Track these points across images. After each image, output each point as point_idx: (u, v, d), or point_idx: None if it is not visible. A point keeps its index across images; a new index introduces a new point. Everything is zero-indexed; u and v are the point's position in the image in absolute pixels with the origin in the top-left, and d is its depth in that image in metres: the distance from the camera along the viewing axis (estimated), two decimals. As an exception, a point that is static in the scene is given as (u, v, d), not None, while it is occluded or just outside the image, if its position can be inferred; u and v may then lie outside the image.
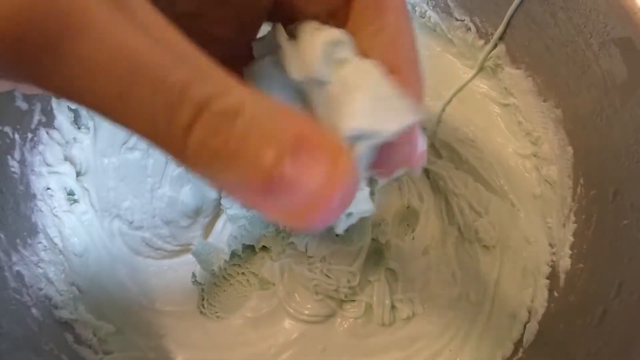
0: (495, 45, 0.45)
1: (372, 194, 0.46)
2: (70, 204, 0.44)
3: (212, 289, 0.46)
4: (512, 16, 0.42)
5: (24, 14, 0.13)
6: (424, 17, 0.48)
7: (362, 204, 0.29)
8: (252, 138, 0.14)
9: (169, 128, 0.14)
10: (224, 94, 0.14)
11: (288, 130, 0.15)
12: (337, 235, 0.45)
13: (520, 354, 0.38)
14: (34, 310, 0.37)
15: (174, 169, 0.47)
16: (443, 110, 0.48)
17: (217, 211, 0.47)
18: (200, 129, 0.14)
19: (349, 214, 0.29)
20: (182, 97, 0.14)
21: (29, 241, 0.40)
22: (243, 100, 0.14)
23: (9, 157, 0.39)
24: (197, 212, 0.47)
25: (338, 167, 0.15)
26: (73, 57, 0.13)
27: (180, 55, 0.14)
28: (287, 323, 0.44)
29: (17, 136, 0.40)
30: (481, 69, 0.48)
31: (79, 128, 0.45)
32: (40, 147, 0.42)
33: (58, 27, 0.13)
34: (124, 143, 0.47)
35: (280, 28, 0.21)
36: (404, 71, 0.20)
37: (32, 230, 0.41)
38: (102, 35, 0.13)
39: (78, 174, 0.45)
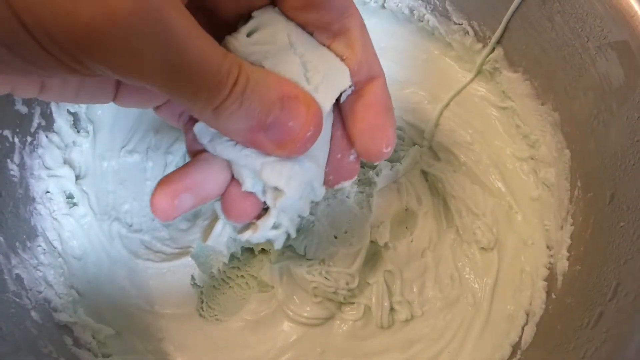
0: (493, 49, 0.45)
1: (370, 196, 0.46)
2: (70, 207, 0.44)
3: (211, 291, 0.46)
4: (509, 20, 0.43)
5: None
6: (422, 21, 0.49)
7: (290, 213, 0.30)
8: (256, 99, 0.22)
9: (214, 100, 0.21)
10: (241, 74, 0.22)
11: (276, 90, 0.23)
12: (335, 237, 0.45)
13: (518, 356, 0.38)
14: (33, 314, 0.37)
15: (173, 172, 0.47)
16: (441, 113, 0.48)
17: (216, 214, 0.47)
18: (231, 100, 0.22)
19: (278, 226, 0.30)
20: (229, 72, 0.21)
21: (29, 244, 0.40)
22: (249, 75, 0.22)
23: (8, 160, 0.39)
24: (196, 215, 0.47)
25: (310, 110, 0.24)
26: (148, 49, 0.19)
27: (214, 48, 0.21)
28: (286, 325, 0.44)
29: (16, 140, 0.40)
30: (479, 72, 0.48)
31: (78, 132, 0.45)
32: (40, 151, 0.42)
33: (140, 24, 0.18)
34: (123, 146, 0.47)
35: None
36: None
37: (32, 234, 0.41)
38: (171, 36, 0.19)
39: (77, 177, 0.45)
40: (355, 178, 0.31)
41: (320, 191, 0.30)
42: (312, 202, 0.31)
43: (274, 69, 0.25)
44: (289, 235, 0.31)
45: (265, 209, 0.29)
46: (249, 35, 0.26)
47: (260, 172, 0.26)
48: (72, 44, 0.18)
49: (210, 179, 0.27)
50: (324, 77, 0.26)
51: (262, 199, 0.28)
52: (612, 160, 0.35)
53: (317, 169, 0.28)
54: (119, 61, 0.19)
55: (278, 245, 0.31)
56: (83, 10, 0.17)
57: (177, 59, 0.19)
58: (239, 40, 0.25)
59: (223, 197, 0.28)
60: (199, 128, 0.26)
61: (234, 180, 0.28)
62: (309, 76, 0.25)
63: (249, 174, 0.27)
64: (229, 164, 0.27)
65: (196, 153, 0.28)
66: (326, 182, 0.30)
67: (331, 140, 0.29)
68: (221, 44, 0.26)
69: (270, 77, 0.24)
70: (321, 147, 0.28)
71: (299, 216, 0.31)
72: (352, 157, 0.29)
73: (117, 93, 0.27)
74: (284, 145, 0.24)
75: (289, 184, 0.27)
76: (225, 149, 0.26)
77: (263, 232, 0.29)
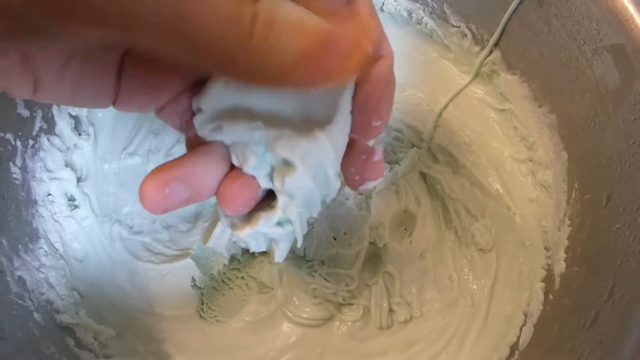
0: (491, 52, 0.46)
1: (369, 198, 0.46)
2: (71, 210, 0.44)
3: (211, 293, 0.46)
4: (507, 23, 0.43)
5: None
6: (420, 24, 0.49)
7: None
8: (295, 24, 0.19)
9: (239, 27, 0.18)
10: (277, 4, 0.19)
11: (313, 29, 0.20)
12: (335, 238, 0.45)
13: (516, 356, 0.38)
14: (35, 315, 0.38)
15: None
16: (440, 115, 0.48)
17: (217, 216, 0.47)
18: (261, 28, 0.18)
19: (284, 223, 0.26)
20: (250, 8, 0.18)
21: (31, 246, 0.40)
22: (287, 10, 0.19)
23: (10, 163, 0.40)
24: (196, 217, 0.48)
25: (367, 32, 0.21)
26: None
27: None
28: (286, 327, 0.44)
29: (18, 143, 0.40)
30: (477, 74, 0.48)
31: (79, 134, 0.46)
32: (42, 154, 0.43)
33: None
34: (124, 149, 0.47)
35: None
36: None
37: (34, 236, 0.41)
38: None
39: (78, 180, 0.45)
40: (381, 179, 0.29)
41: (335, 184, 0.26)
42: (324, 201, 0.27)
43: None
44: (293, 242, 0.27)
45: (271, 207, 0.26)
46: None
47: (273, 144, 0.24)
48: None
49: (207, 171, 0.25)
50: None
51: (267, 186, 0.25)
52: (608, 163, 0.35)
53: (334, 155, 0.25)
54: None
55: (280, 254, 0.27)
56: None
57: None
58: None
59: (219, 187, 0.25)
60: (199, 119, 0.24)
61: (231, 171, 0.25)
62: None
63: (255, 152, 0.24)
64: (227, 155, 0.25)
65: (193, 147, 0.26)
66: (351, 183, 0.28)
67: (354, 142, 0.27)
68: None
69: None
70: (341, 130, 0.25)
71: (308, 220, 0.27)
72: (376, 158, 0.28)
73: (117, 96, 0.26)
74: (344, 66, 0.20)
75: (303, 160, 0.24)
76: (234, 129, 0.24)
77: (266, 226, 0.26)
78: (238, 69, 0.19)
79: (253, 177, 0.25)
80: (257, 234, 0.26)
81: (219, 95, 0.25)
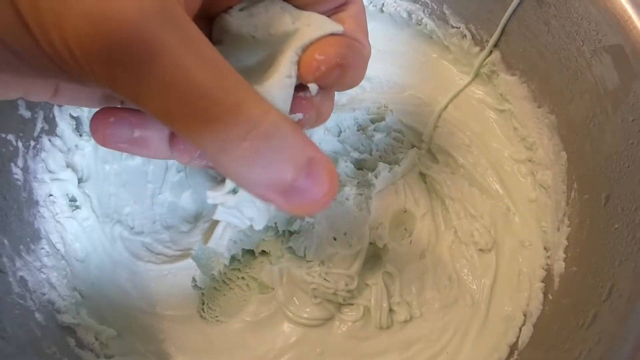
0: (491, 52, 0.46)
1: (368, 198, 0.46)
2: (72, 210, 0.45)
3: (212, 293, 0.46)
4: (506, 23, 0.43)
5: (116, 34, 0.16)
6: (420, 25, 0.49)
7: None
8: (281, 156, 0.20)
9: (226, 138, 0.19)
10: (265, 117, 0.20)
11: (304, 153, 0.21)
12: (335, 239, 0.45)
13: (515, 356, 0.38)
14: (37, 315, 0.38)
15: (174, 175, 0.48)
16: (439, 115, 0.49)
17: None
18: (249, 143, 0.19)
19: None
20: (237, 117, 0.19)
21: (32, 247, 0.40)
22: (277, 124, 0.20)
23: (12, 164, 0.40)
24: (197, 218, 0.48)
25: (333, 183, 0.22)
26: (149, 76, 0.17)
27: (227, 77, 0.19)
28: (286, 326, 0.44)
29: (20, 144, 0.40)
30: (477, 75, 0.48)
31: (80, 135, 0.46)
32: (43, 155, 0.43)
33: (138, 51, 0.17)
34: (125, 150, 0.48)
35: None
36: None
37: (35, 236, 0.41)
38: (173, 64, 0.18)
39: (80, 181, 0.46)
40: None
41: None
42: None
43: (264, 32, 0.24)
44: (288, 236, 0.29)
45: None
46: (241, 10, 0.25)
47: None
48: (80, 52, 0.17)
49: (155, 126, 0.25)
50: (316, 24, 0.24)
51: None
52: (607, 163, 0.35)
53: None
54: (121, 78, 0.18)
55: (258, 222, 0.29)
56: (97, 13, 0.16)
57: (186, 83, 0.18)
58: (232, 14, 0.25)
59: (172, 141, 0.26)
60: None
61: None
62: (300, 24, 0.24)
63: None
64: None
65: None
66: None
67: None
68: (215, 20, 0.25)
69: (299, 133, 0.22)
70: (281, 89, 0.24)
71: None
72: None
73: None
74: (302, 209, 0.23)
75: None
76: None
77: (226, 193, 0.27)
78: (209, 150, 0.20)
79: None
80: (229, 210, 0.28)
81: None
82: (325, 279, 0.44)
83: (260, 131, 0.19)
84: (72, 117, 0.45)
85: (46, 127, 0.43)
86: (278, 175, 0.21)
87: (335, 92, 0.28)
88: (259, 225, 0.29)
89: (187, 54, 0.18)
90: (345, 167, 0.47)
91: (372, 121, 0.49)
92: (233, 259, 0.47)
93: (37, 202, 0.42)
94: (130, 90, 0.18)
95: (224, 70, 0.19)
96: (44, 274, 0.41)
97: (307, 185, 0.22)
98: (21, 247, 0.39)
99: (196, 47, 0.18)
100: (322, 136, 0.48)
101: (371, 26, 0.50)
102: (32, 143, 0.42)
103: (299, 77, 0.24)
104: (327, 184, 0.22)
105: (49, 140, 0.43)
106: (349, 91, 0.49)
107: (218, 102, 0.19)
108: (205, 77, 0.18)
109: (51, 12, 0.16)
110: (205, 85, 0.18)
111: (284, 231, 0.47)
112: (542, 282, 0.40)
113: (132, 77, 0.17)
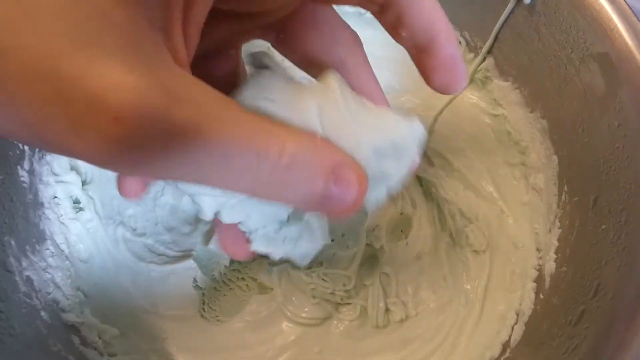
0: (484, 59, 0.47)
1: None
2: (76, 212, 0.45)
3: (212, 293, 0.47)
4: (499, 31, 0.44)
5: (148, 115, 0.15)
6: (416, 32, 0.50)
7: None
8: (308, 174, 0.20)
9: (254, 184, 0.19)
10: (283, 152, 0.19)
11: (330, 159, 0.21)
12: (332, 240, 0.46)
13: (507, 354, 0.39)
14: (43, 314, 0.39)
15: (176, 178, 0.48)
16: (435, 120, 0.50)
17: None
18: (275, 179, 0.19)
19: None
20: (257, 161, 0.18)
21: (38, 247, 0.41)
22: (295, 155, 0.20)
23: (19, 167, 0.41)
24: (198, 219, 0.48)
25: (362, 185, 0.22)
26: (182, 158, 0.17)
27: (253, 124, 0.19)
28: (285, 326, 0.45)
29: (26, 147, 0.41)
30: (471, 80, 0.49)
31: (85, 139, 0.46)
32: (48, 158, 0.43)
33: (172, 133, 0.16)
34: (128, 153, 0.48)
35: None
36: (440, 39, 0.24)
37: (41, 237, 0.42)
38: (209, 146, 0.17)
39: (83, 183, 0.46)
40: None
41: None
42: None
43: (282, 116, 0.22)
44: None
45: None
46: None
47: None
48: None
49: None
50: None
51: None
52: (595, 166, 0.36)
53: None
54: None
55: (301, 257, 0.29)
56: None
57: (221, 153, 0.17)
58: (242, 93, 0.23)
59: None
60: None
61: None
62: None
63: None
64: None
65: None
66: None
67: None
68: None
69: (319, 145, 0.21)
70: None
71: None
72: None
73: None
74: (338, 214, 0.22)
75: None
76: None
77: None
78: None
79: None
80: (270, 239, 0.27)
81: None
82: (323, 279, 0.45)
83: (281, 165, 0.19)
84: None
85: (52, 131, 0.43)
86: (310, 190, 0.21)
87: None
88: (302, 262, 0.30)
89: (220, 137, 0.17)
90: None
91: (370, 125, 0.50)
92: (233, 260, 0.47)
93: (42, 204, 0.43)
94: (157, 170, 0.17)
95: (240, 117, 0.18)
96: (49, 273, 0.41)
97: (338, 192, 0.21)
98: (27, 247, 0.40)
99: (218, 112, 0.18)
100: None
101: (368, 33, 0.51)
102: (38, 146, 0.42)
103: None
104: (356, 185, 0.22)
105: (55, 144, 0.44)
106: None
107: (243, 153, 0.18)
108: (238, 135, 0.18)
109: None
110: (242, 144, 0.18)
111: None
112: (534, 282, 0.41)
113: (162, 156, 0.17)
